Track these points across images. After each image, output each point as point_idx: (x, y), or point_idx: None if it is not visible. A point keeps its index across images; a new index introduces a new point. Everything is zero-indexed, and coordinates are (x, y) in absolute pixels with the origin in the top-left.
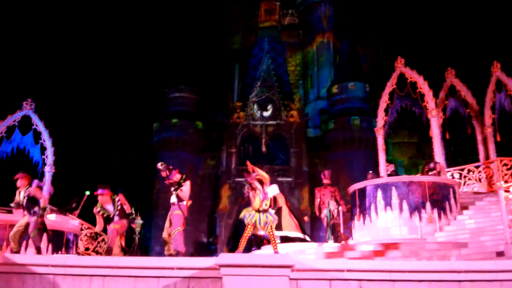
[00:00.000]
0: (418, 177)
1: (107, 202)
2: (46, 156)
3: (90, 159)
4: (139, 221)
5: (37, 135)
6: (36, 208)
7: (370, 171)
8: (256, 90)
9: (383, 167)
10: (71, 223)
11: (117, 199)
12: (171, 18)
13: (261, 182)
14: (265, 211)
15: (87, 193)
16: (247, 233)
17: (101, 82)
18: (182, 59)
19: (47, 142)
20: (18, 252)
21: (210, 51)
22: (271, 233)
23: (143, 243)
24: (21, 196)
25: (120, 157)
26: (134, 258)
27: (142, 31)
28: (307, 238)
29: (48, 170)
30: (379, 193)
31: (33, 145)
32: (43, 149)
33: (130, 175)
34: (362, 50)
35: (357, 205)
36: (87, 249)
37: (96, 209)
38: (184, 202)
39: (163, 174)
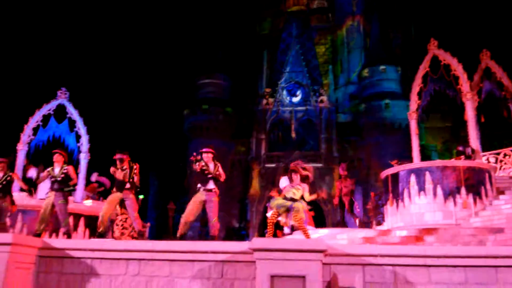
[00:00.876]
0: (452, 162)
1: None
2: (81, 144)
3: (123, 146)
4: (171, 206)
5: (72, 123)
6: (66, 188)
7: (395, 160)
8: (285, 76)
9: (416, 152)
10: None
11: (135, 166)
12: (201, 6)
13: (305, 177)
14: (293, 199)
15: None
16: (272, 218)
17: (133, 70)
18: (212, 46)
19: (82, 130)
20: (40, 233)
21: (239, 38)
22: (299, 220)
23: (176, 228)
24: (55, 171)
25: (152, 144)
26: (169, 242)
27: (173, 19)
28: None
29: (83, 157)
30: (413, 178)
31: (68, 133)
32: (78, 137)
33: (162, 162)
34: (393, 32)
35: (389, 190)
36: (122, 234)
37: (112, 169)
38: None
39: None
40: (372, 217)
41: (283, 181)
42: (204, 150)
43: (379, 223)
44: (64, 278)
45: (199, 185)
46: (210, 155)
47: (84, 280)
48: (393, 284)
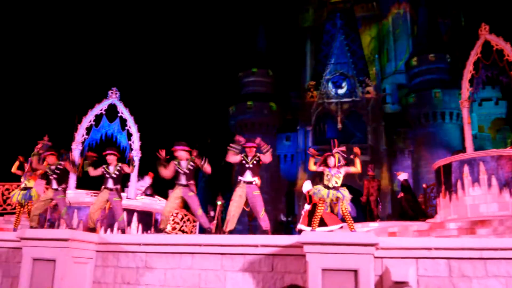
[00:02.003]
0: (508, 151)
1: (183, 159)
2: (132, 142)
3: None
4: (219, 201)
5: (123, 122)
6: (118, 186)
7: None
8: (330, 68)
9: (469, 142)
10: (158, 204)
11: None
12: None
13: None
14: (335, 188)
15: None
16: (319, 211)
17: (179, 68)
18: (255, 41)
19: (133, 128)
20: (94, 228)
21: (281, 31)
22: (346, 210)
23: (224, 222)
24: (110, 169)
25: (200, 140)
26: (220, 236)
27: (215, 14)
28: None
29: (135, 155)
30: (466, 169)
31: (120, 131)
32: (129, 135)
33: (210, 158)
34: (441, 19)
35: (442, 182)
36: (174, 228)
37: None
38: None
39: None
40: (424, 210)
41: (307, 185)
42: (248, 145)
43: (432, 216)
44: (120, 271)
45: (239, 178)
46: (253, 149)
47: (139, 273)
48: (447, 277)
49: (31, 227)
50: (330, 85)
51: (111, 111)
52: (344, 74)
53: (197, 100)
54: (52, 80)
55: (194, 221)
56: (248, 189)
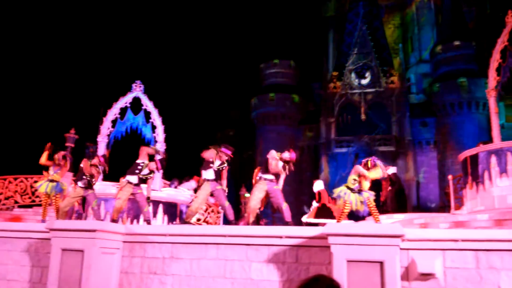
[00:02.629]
0: None
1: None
2: (157, 134)
3: (194, 135)
4: (246, 194)
5: (147, 115)
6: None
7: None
8: (353, 58)
9: (496, 131)
10: (183, 195)
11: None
12: None
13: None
14: (359, 191)
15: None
16: (346, 210)
17: (201, 60)
18: (276, 32)
19: (157, 121)
20: (117, 220)
21: (303, 21)
22: (371, 206)
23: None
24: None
25: (222, 132)
26: (245, 227)
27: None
28: None
29: (160, 147)
30: (493, 159)
31: (145, 124)
32: (153, 127)
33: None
34: (466, 6)
35: (468, 173)
36: (198, 220)
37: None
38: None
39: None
40: (450, 201)
41: (319, 184)
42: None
43: (458, 207)
44: (147, 262)
45: (259, 175)
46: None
47: (165, 263)
48: (475, 269)
49: None
50: (353, 75)
51: (136, 104)
52: (367, 64)
53: (219, 92)
54: (78, 74)
55: (219, 213)
56: (269, 186)
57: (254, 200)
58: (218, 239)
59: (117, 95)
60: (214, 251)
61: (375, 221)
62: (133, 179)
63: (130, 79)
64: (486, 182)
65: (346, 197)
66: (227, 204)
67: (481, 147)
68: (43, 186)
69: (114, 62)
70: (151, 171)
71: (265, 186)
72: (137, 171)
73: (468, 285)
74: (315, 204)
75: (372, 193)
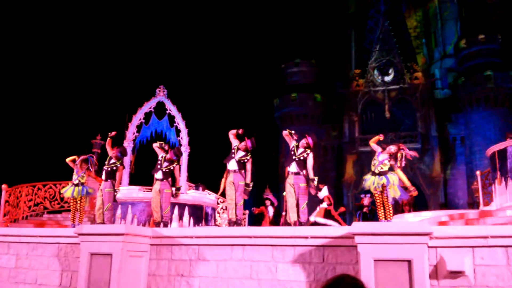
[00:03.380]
0: None
1: None
2: (181, 138)
3: (218, 136)
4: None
5: (172, 119)
6: (169, 179)
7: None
8: (375, 54)
9: None
10: (208, 197)
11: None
12: None
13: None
14: (381, 173)
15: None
16: (379, 199)
17: (223, 63)
18: (297, 31)
19: (181, 124)
20: (161, 222)
21: (323, 19)
22: (385, 198)
23: (275, 216)
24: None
25: (246, 133)
26: (270, 227)
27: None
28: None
29: (184, 150)
30: None
31: (169, 128)
32: (177, 131)
33: (256, 150)
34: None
35: (497, 168)
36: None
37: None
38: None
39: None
40: (478, 198)
41: (325, 191)
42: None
43: (487, 203)
44: (174, 264)
45: (287, 169)
46: (304, 144)
47: (192, 265)
48: (505, 266)
49: (98, 223)
50: (376, 72)
51: (160, 109)
52: (390, 61)
53: (242, 93)
54: (103, 82)
55: (244, 214)
56: (295, 180)
57: (288, 197)
58: (243, 240)
59: (141, 100)
60: (240, 252)
61: (386, 218)
62: (158, 175)
63: (153, 84)
64: None
65: (366, 184)
66: (240, 202)
67: (510, 141)
68: (68, 191)
69: (138, 68)
70: (171, 161)
71: (292, 181)
72: (158, 166)
73: (499, 282)
74: (324, 204)
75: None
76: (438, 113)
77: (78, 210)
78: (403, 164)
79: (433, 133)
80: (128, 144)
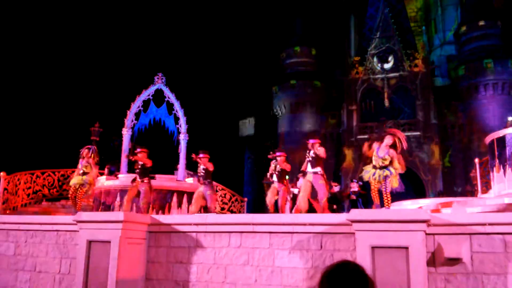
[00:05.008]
0: None
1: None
2: (180, 125)
3: (215, 124)
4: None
5: (170, 107)
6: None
7: (510, 118)
8: (375, 42)
9: None
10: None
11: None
12: None
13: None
14: (382, 167)
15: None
16: (374, 189)
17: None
18: (296, 19)
19: (179, 112)
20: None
21: (322, 6)
22: (385, 187)
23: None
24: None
25: (244, 119)
26: (268, 215)
27: None
28: None
29: (183, 138)
30: None
31: (167, 116)
32: (176, 119)
33: (255, 137)
34: None
35: (495, 155)
36: (222, 208)
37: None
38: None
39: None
40: (476, 185)
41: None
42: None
43: (485, 191)
44: (172, 251)
45: (306, 170)
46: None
47: (191, 252)
48: (503, 253)
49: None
50: (375, 60)
51: (158, 96)
52: (390, 48)
53: (241, 81)
54: (102, 70)
55: (242, 201)
56: (314, 179)
57: (302, 191)
58: (242, 228)
59: (140, 88)
60: (238, 239)
61: (385, 205)
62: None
63: (152, 72)
64: None
65: (367, 175)
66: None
67: (509, 129)
68: (74, 179)
69: (137, 56)
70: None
71: (310, 179)
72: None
73: (496, 269)
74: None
75: (394, 172)
76: (438, 100)
77: (77, 198)
78: (405, 147)
79: (433, 120)
80: (126, 132)
